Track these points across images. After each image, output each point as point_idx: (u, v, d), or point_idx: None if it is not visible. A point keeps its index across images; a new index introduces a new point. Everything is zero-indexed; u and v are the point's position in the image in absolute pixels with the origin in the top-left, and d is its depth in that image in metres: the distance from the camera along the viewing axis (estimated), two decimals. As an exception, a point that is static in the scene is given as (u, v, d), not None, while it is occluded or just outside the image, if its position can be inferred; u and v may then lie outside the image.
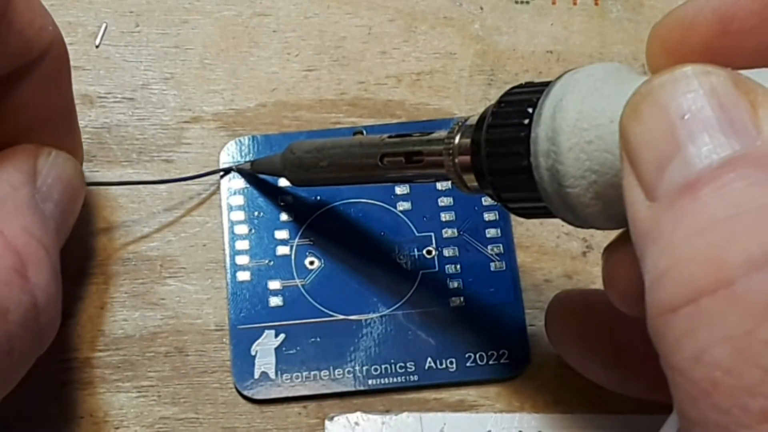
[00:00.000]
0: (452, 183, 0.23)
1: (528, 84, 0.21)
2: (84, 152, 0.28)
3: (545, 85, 0.20)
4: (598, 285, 0.28)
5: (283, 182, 0.29)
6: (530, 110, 0.20)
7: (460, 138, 0.22)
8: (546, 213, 0.20)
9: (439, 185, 0.29)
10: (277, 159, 0.28)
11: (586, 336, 0.26)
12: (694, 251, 0.16)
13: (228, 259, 0.28)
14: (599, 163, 0.18)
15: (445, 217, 0.29)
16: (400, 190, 0.29)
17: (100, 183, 0.29)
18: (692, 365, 0.15)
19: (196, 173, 0.29)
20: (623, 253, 0.20)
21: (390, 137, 0.25)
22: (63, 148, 0.26)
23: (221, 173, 0.29)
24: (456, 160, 0.22)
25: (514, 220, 0.29)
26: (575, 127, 0.18)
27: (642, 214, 0.17)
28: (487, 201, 0.29)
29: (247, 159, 0.29)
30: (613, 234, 0.29)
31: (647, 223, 0.17)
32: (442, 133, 0.23)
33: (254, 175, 0.29)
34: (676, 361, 0.16)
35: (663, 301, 0.16)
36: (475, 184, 0.22)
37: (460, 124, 0.22)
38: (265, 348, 0.27)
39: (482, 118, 0.21)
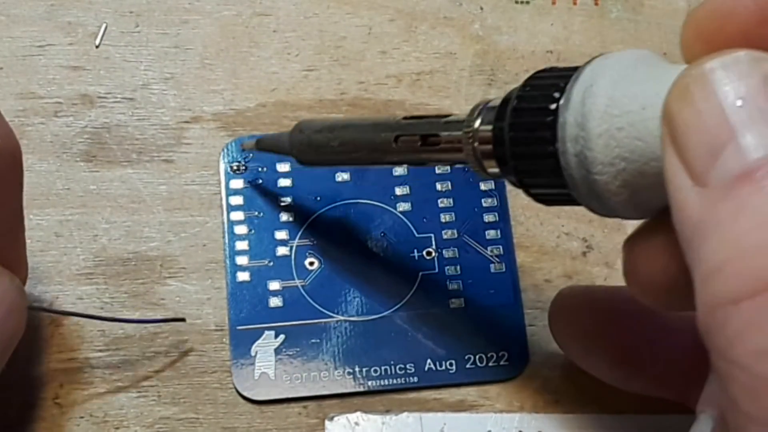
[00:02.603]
0: (471, 167, 0.22)
1: (553, 69, 0.20)
2: (84, 152, 0.27)
3: (572, 70, 0.19)
4: (599, 285, 0.28)
5: (283, 182, 0.29)
6: (557, 95, 0.19)
7: (481, 121, 0.22)
8: (569, 200, 0.20)
9: (439, 186, 0.29)
10: (285, 138, 0.27)
11: (589, 333, 0.25)
12: (759, 242, 0.15)
13: (228, 259, 0.28)
14: (629, 151, 0.18)
15: (444, 218, 0.29)
16: (400, 190, 0.29)
17: (43, 309, 0.27)
18: (756, 359, 0.15)
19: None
20: (649, 245, 0.19)
21: (405, 118, 0.24)
22: (4, 264, 0.24)
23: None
24: (476, 144, 0.22)
25: (514, 220, 0.29)
26: (605, 113, 0.18)
27: (691, 199, 0.16)
28: (487, 202, 0.29)
29: (248, 159, 0.29)
30: (613, 233, 0.29)
31: (699, 210, 0.16)
32: (461, 116, 0.22)
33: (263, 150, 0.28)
34: (737, 354, 0.15)
35: (723, 292, 0.15)
36: (496, 169, 0.22)
37: (480, 106, 0.22)
38: (265, 348, 0.27)
39: (505, 101, 0.21)
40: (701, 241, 0.16)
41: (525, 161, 0.20)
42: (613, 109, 0.18)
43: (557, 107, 0.19)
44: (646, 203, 0.19)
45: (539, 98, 0.20)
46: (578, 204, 0.20)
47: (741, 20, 0.19)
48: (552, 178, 0.20)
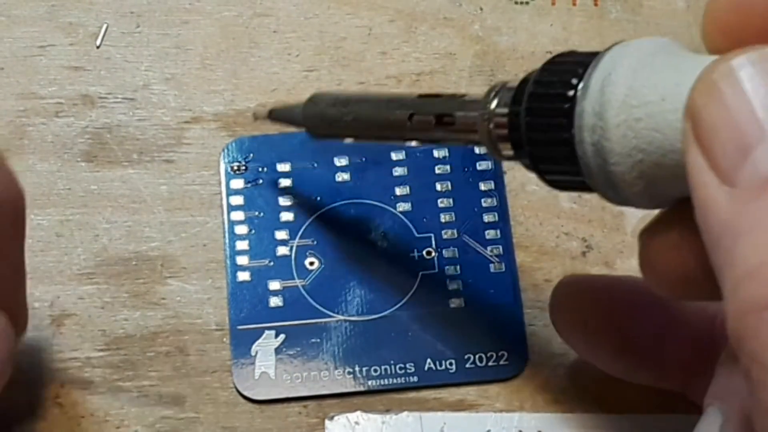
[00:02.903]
0: (485, 149, 0.22)
1: (572, 53, 0.20)
2: (85, 152, 0.27)
3: (591, 56, 0.19)
4: (598, 285, 0.28)
5: (283, 182, 0.29)
6: (575, 81, 0.19)
7: (497, 103, 0.21)
8: (584, 187, 0.20)
9: (439, 186, 0.29)
10: (298, 110, 0.27)
11: (592, 323, 0.25)
12: None
13: (228, 259, 0.28)
14: (647, 142, 0.18)
15: (444, 218, 0.29)
16: (400, 190, 0.29)
17: None
18: None
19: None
20: (667, 237, 0.19)
21: (420, 96, 0.24)
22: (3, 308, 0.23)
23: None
24: (491, 126, 0.21)
25: (514, 220, 0.29)
26: (624, 103, 0.18)
27: (719, 198, 0.16)
28: (487, 202, 0.29)
29: (248, 159, 0.29)
30: (613, 233, 0.29)
31: (727, 210, 0.16)
32: (477, 96, 0.22)
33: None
34: None
35: (756, 298, 0.15)
36: (510, 152, 0.21)
37: (497, 88, 0.21)
38: (265, 348, 0.27)
39: (522, 83, 0.21)
40: (731, 244, 0.16)
41: (540, 147, 0.20)
42: (631, 99, 0.18)
43: (575, 94, 0.19)
44: (663, 194, 0.18)
45: (557, 84, 0.19)
46: (592, 191, 0.20)
47: (763, 14, 0.18)
48: (567, 165, 0.19)
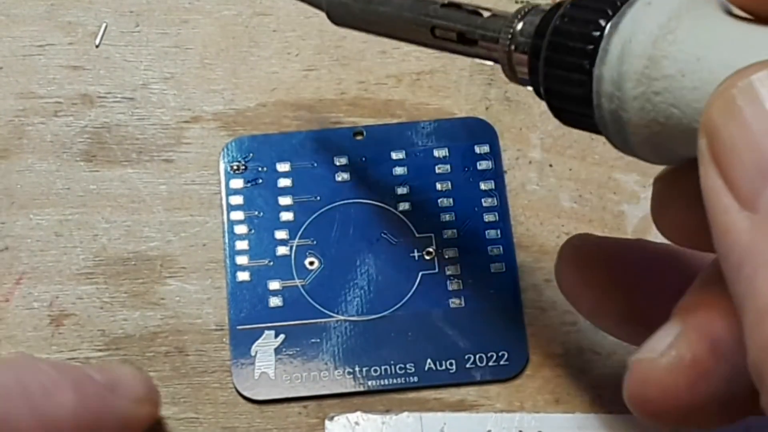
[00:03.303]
0: (501, 68, 0.22)
1: None
2: (84, 152, 0.28)
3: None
4: (598, 285, 0.28)
5: (283, 182, 0.29)
6: (603, 23, 0.18)
7: (522, 27, 0.21)
8: (592, 128, 0.19)
9: (439, 186, 0.29)
10: None
11: (599, 283, 0.24)
12: None
13: (228, 259, 0.28)
14: (665, 116, 0.17)
15: (444, 217, 0.29)
16: (400, 190, 0.29)
17: None
18: None
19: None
20: (680, 187, 0.19)
21: (443, 6, 0.23)
22: None
23: None
24: (512, 48, 0.21)
25: (514, 220, 0.29)
26: (643, 74, 0.17)
27: (739, 224, 0.15)
28: (487, 202, 0.29)
29: (248, 159, 0.29)
30: (613, 233, 0.29)
31: (749, 239, 0.15)
32: (502, 14, 0.22)
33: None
34: None
35: None
36: (526, 77, 0.21)
37: (525, 9, 0.21)
38: (265, 348, 0.27)
39: (552, 10, 0.20)
40: (753, 273, 0.15)
41: (557, 83, 0.19)
42: (651, 71, 0.17)
43: (594, 50, 0.18)
44: (677, 158, 0.18)
45: (577, 36, 0.19)
46: (599, 133, 0.19)
47: None
48: (581, 107, 0.19)
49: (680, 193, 0.19)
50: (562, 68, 0.19)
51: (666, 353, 0.18)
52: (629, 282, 0.24)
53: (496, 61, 0.22)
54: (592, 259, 0.24)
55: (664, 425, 0.20)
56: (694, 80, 0.17)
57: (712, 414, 0.18)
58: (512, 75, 0.21)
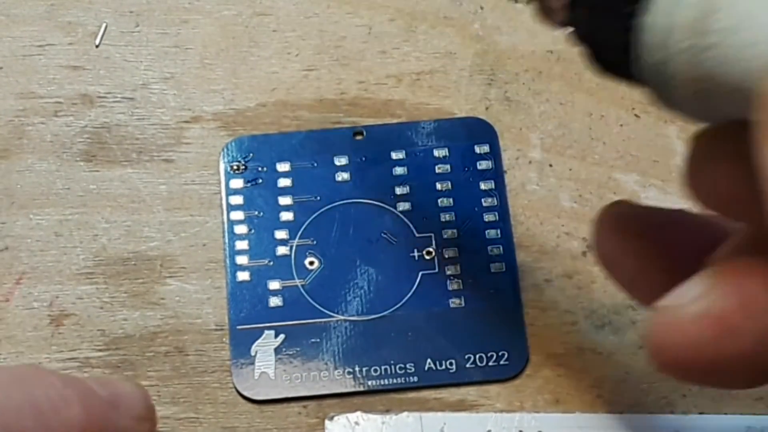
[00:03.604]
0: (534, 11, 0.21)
1: None
2: (84, 152, 0.28)
3: None
4: (599, 284, 0.28)
5: (283, 182, 0.29)
6: None
7: None
8: (627, 77, 0.18)
9: (439, 185, 0.29)
10: None
11: (639, 254, 0.23)
12: None
13: (228, 259, 0.28)
14: (714, 74, 0.16)
15: (444, 217, 0.29)
16: (400, 190, 0.29)
17: None
18: None
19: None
20: (722, 149, 0.18)
21: None
22: None
23: None
24: None
25: (514, 220, 0.29)
26: (694, 27, 0.16)
27: None
28: (487, 202, 0.29)
29: (247, 159, 0.29)
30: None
31: None
32: None
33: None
34: None
35: None
36: (563, 20, 0.20)
37: None
38: (265, 348, 0.27)
39: None
40: None
41: (598, 29, 0.19)
42: (702, 23, 0.16)
43: None
44: (720, 116, 0.17)
45: None
46: (637, 84, 0.18)
47: None
48: (619, 55, 0.18)
49: (722, 154, 0.18)
50: (605, 12, 0.18)
51: (695, 301, 0.18)
52: (669, 252, 0.23)
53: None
54: (631, 227, 0.23)
55: (681, 380, 0.19)
56: (749, 35, 0.16)
57: (735, 374, 0.18)
58: (548, 15, 0.20)
